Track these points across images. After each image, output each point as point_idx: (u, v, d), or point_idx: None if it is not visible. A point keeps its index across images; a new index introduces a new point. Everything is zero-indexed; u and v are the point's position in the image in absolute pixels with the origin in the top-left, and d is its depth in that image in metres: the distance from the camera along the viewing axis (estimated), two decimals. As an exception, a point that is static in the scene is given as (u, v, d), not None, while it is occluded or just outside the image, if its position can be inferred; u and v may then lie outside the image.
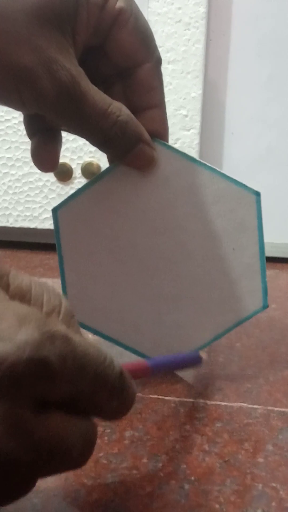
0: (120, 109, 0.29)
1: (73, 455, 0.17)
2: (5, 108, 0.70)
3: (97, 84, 0.29)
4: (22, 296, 0.20)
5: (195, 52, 0.68)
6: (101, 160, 0.69)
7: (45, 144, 0.33)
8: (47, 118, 0.30)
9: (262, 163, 0.78)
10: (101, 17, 0.29)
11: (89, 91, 0.28)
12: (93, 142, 0.30)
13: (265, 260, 0.34)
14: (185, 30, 0.66)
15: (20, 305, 0.17)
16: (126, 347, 0.36)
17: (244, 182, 0.33)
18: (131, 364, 0.25)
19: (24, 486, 0.17)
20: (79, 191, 0.34)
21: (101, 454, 0.26)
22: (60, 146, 0.34)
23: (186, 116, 0.69)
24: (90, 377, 0.18)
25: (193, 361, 0.34)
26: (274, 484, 0.24)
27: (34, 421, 0.16)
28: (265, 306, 0.35)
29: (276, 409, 0.32)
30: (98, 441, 0.28)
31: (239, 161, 0.78)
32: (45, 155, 0.33)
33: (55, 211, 0.35)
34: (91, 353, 0.18)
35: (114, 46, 0.30)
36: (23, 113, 0.32)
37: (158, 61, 0.32)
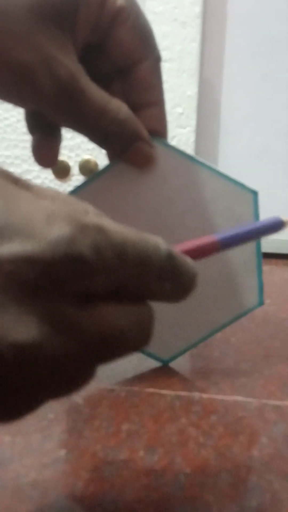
0: (119, 106, 0.29)
1: (129, 338, 0.17)
2: (3, 106, 0.70)
3: (97, 81, 0.29)
4: (39, 194, 0.18)
5: (191, 51, 0.68)
6: (99, 158, 0.69)
7: (46, 141, 0.33)
8: (47, 115, 0.30)
9: (257, 160, 0.78)
10: (101, 14, 0.28)
11: (88, 89, 0.28)
12: (92, 139, 0.30)
13: (261, 258, 0.34)
14: (181, 29, 0.66)
15: (45, 201, 0.17)
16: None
17: (239, 180, 0.34)
18: (194, 242, 0.23)
19: (84, 376, 0.16)
20: (79, 188, 0.34)
21: (98, 447, 0.26)
22: (60, 143, 0.34)
23: (181, 114, 0.69)
24: (132, 263, 0.17)
25: (273, 227, 0.30)
26: (268, 477, 0.24)
27: (79, 314, 0.16)
28: (261, 304, 0.35)
29: (270, 402, 0.32)
30: (96, 433, 0.28)
31: (234, 159, 0.78)
32: (45, 151, 0.33)
33: None
34: (130, 238, 0.17)
35: (114, 44, 0.30)
36: (23, 109, 0.32)
37: (158, 59, 0.31)
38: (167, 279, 0.18)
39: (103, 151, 0.70)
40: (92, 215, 0.17)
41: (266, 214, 0.77)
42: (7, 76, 0.26)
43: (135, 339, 0.17)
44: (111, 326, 0.16)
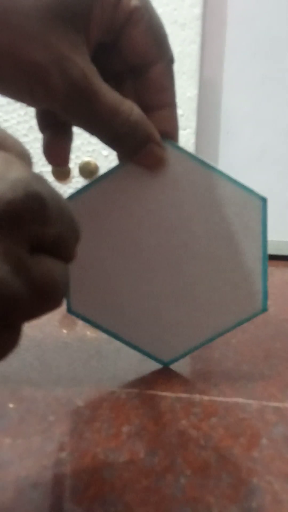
0: (131, 108, 0.29)
1: (59, 293, 0.18)
2: (3, 108, 0.70)
3: (109, 82, 0.29)
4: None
5: (191, 53, 0.68)
6: (99, 160, 0.69)
7: (57, 139, 0.33)
8: (58, 114, 0.30)
9: (257, 161, 0.78)
10: (115, 14, 0.28)
11: (100, 89, 0.27)
12: (103, 140, 0.30)
13: (267, 265, 0.34)
14: (181, 30, 0.66)
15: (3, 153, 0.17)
16: (125, 342, 0.37)
17: (239, 180, 0.34)
18: None
19: (18, 328, 0.17)
20: (87, 187, 0.34)
21: (98, 449, 0.26)
22: (72, 142, 0.34)
23: (182, 115, 0.69)
24: (67, 220, 0.18)
25: None
26: (268, 478, 0.24)
27: (31, 260, 0.16)
28: (265, 310, 0.35)
29: (271, 404, 0.32)
30: (96, 435, 0.28)
31: (234, 160, 0.78)
32: (57, 150, 0.33)
33: None
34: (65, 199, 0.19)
35: (127, 44, 0.30)
36: (34, 108, 0.32)
37: (171, 61, 0.31)
38: (76, 241, 0.20)
39: (104, 153, 0.70)
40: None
41: (267, 215, 0.77)
42: (19, 75, 0.26)
43: (62, 294, 0.18)
44: (52, 278, 0.17)
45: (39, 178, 0.17)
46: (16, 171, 0.16)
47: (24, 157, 0.18)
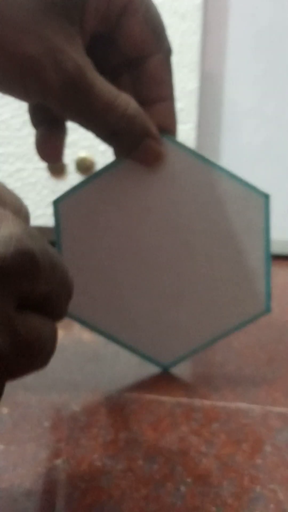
0: (128, 101, 0.29)
1: (45, 352, 0.18)
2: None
3: (105, 75, 0.29)
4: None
5: (191, 44, 0.68)
6: (96, 155, 0.68)
7: (50, 135, 0.32)
8: (52, 109, 0.30)
9: (260, 157, 0.78)
10: (110, 5, 0.28)
11: (96, 82, 0.27)
12: (99, 135, 0.30)
13: (270, 264, 0.34)
14: (181, 21, 0.66)
15: None
16: (123, 345, 0.36)
17: (241, 177, 0.33)
18: None
19: (0, 385, 0.17)
20: (82, 184, 0.34)
21: (95, 456, 0.26)
22: (65, 137, 0.34)
23: (182, 110, 0.69)
24: (59, 277, 0.18)
25: None
26: (272, 486, 0.24)
27: (18, 318, 0.16)
28: (268, 311, 0.35)
29: (274, 409, 0.32)
30: (93, 442, 0.27)
31: (236, 155, 0.78)
32: (50, 146, 0.33)
33: (56, 203, 0.34)
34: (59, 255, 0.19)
35: (123, 35, 0.29)
36: (27, 102, 0.31)
37: (169, 53, 0.31)
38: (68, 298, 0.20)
39: (101, 149, 0.69)
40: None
41: (270, 213, 0.77)
42: (12, 68, 0.26)
43: (48, 353, 0.18)
44: (38, 336, 0.17)
45: (32, 235, 0.17)
46: (8, 227, 0.16)
47: (20, 213, 0.19)
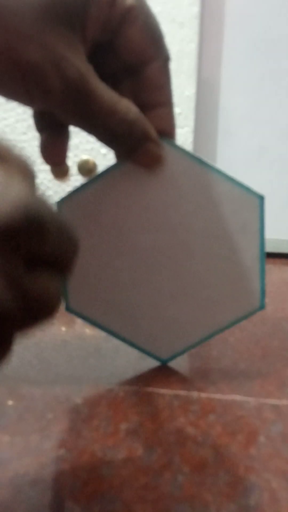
0: (128, 107, 0.29)
1: (51, 305, 0.18)
2: (2, 107, 0.70)
3: (106, 81, 0.29)
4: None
5: (189, 52, 0.67)
6: (97, 158, 0.68)
7: (54, 139, 0.33)
8: (55, 114, 0.30)
9: (256, 160, 0.78)
10: (110, 13, 0.28)
11: (97, 89, 0.27)
12: (100, 139, 0.30)
13: (264, 263, 0.34)
14: (179, 29, 0.66)
15: (1, 165, 0.17)
16: (124, 340, 0.37)
17: (236, 179, 0.33)
18: None
19: (9, 340, 0.17)
20: (85, 186, 0.34)
21: (96, 447, 0.26)
22: (69, 141, 0.34)
23: (180, 114, 0.69)
24: (65, 236, 0.18)
25: None
26: (266, 476, 0.24)
27: (26, 275, 0.17)
28: (262, 307, 0.35)
29: (268, 401, 0.32)
30: (94, 433, 0.28)
31: (232, 159, 0.78)
32: (54, 150, 0.33)
33: (59, 204, 0.35)
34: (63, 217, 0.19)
35: (123, 43, 0.29)
36: (31, 108, 0.32)
37: (167, 59, 0.31)
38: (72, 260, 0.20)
39: (102, 152, 0.70)
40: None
41: (265, 213, 0.77)
42: (16, 75, 0.26)
43: (54, 307, 0.19)
44: (45, 291, 0.17)
45: (39, 197, 0.17)
46: (16, 190, 0.16)
47: (27, 172, 0.19)
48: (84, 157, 0.68)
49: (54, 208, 0.18)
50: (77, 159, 0.68)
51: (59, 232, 0.18)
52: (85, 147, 0.68)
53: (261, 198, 0.33)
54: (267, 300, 0.53)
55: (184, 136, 0.70)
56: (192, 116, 0.69)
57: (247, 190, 0.33)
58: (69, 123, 0.32)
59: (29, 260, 0.17)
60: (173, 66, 0.68)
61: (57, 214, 0.18)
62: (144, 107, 0.31)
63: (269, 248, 0.77)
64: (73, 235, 0.19)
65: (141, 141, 0.30)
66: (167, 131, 0.32)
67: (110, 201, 0.34)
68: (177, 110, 0.69)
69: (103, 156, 0.69)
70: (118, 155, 0.33)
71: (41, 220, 0.16)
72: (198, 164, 0.33)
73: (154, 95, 0.31)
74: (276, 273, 0.66)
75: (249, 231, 0.34)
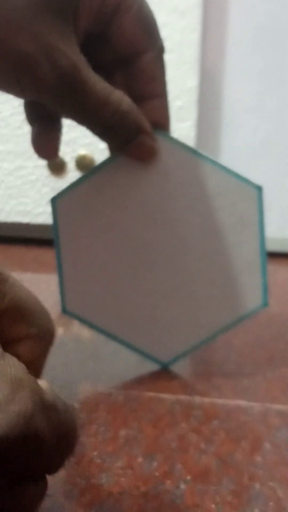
0: (121, 98, 0.29)
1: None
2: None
3: (99, 72, 0.29)
4: (16, 311, 0.19)
5: (191, 42, 0.67)
6: (95, 153, 0.68)
7: (46, 132, 0.33)
8: (47, 105, 0.30)
9: (261, 154, 0.77)
10: (103, 3, 0.28)
11: (90, 79, 0.27)
12: (93, 131, 0.30)
13: (266, 257, 0.34)
14: (181, 18, 0.66)
15: (16, 364, 0.16)
16: (123, 343, 0.36)
17: (243, 174, 0.33)
18: None
19: None
20: (79, 181, 0.34)
21: (95, 453, 0.26)
22: (61, 134, 0.34)
23: (181, 107, 0.69)
24: (71, 444, 0.17)
25: None
26: (271, 484, 0.24)
27: (10, 497, 0.16)
28: (265, 305, 0.34)
29: (274, 406, 0.32)
30: (92, 439, 0.27)
31: (237, 152, 0.78)
32: (46, 143, 0.33)
33: (53, 201, 0.34)
34: (70, 419, 0.17)
35: (116, 33, 0.30)
36: (22, 99, 0.32)
37: (162, 50, 0.31)
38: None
39: (100, 146, 0.69)
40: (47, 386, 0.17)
41: (270, 207, 0.76)
42: (7, 66, 0.26)
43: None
44: (27, 509, 0.16)
45: (46, 410, 0.16)
46: (20, 401, 0.15)
47: (45, 338, 0.18)
48: (82, 152, 0.68)
49: (62, 402, 0.17)
50: (75, 154, 0.68)
51: (59, 440, 0.16)
52: (83, 142, 0.68)
53: (259, 189, 0.33)
54: (272, 301, 0.52)
55: (186, 130, 0.69)
56: (195, 109, 0.69)
57: (244, 181, 0.33)
58: (61, 115, 0.32)
59: (18, 476, 0.16)
60: (175, 57, 0.68)
61: (62, 419, 0.16)
62: (137, 98, 0.31)
63: (274, 247, 0.77)
64: (75, 427, 0.17)
65: (134, 133, 0.30)
66: (162, 123, 0.32)
67: (105, 197, 0.34)
68: (178, 103, 0.69)
69: (101, 151, 0.69)
70: (112, 148, 0.33)
71: (40, 437, 0.15)
72: (193, 155, 0.33)
73: (147, 86, 0.31)
74: (282, 273, 0.65)
75: (247, 224, 0.33)
